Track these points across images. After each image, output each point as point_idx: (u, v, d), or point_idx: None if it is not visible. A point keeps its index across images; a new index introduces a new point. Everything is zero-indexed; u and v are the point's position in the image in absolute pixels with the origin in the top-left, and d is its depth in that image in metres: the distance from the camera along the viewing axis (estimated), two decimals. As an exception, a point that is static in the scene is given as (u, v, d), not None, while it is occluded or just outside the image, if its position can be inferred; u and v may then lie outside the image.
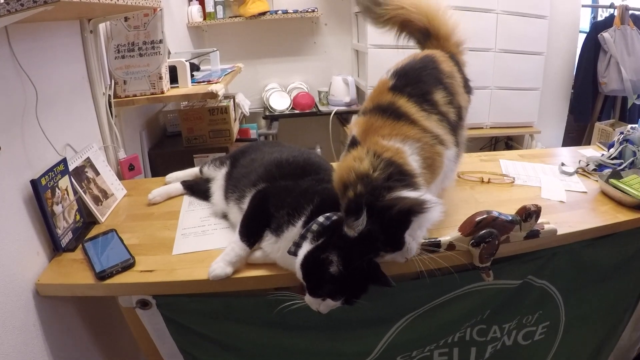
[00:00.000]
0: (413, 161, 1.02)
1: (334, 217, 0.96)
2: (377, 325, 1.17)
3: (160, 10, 1.73)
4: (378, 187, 0.92)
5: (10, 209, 1.03)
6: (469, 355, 1.34)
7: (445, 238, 1.08)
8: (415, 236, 0.95)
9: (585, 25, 4.01)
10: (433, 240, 1.08)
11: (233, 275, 1.01)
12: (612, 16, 3.65)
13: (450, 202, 1.37)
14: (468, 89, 1.31)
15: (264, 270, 1.04)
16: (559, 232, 1.17)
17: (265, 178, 1.14)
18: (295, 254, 0.96)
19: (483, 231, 1.06)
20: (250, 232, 1.06)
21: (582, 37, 3.85)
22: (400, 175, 0.96)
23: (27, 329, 1.03)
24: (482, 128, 3.61)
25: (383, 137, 1.02)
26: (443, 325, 1.22)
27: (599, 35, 3.60)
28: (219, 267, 1.00)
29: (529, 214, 1.10)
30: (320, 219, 0.96)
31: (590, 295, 1.38)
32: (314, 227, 0.95)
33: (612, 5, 3.72)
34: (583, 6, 3.88)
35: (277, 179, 1.14)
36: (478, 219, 1.07)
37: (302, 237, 0.96)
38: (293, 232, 0.99)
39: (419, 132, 1.05)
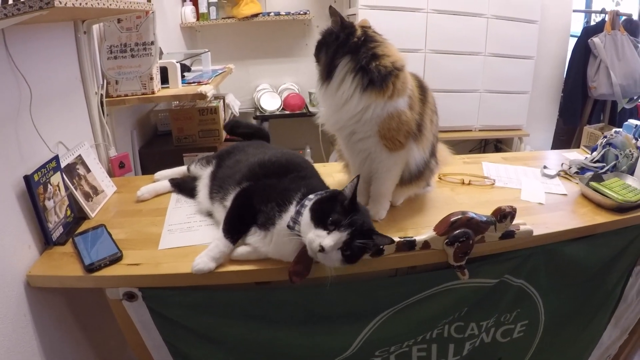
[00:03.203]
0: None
1: (324, 194, 1.03)
2: (355, 321, 1.20)
3: (152, 12, 1.76)
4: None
5: (4, 203, 1.07)
6: (447, 351, 1.37)
7: (420, 237, 1.12)
8: None
9: (578, 30, 4.04)
10: (409, 239, 1.11)
11: (215, 270, 1.04)
12: (603, 21, 3.68)
13: (431, 203, 1.41)
14: None
15: (245, 265, 1.07)
16: (536, 233, 1.20)
17: (249, 177, 1.18)
18: (294, 228, 0.99)
19: (457, 231, 1.10)
20: (234, 229, 1.09)
21: (573, 42, 3.88)
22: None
23: (18, 318, 1.06)
24: (471, 130, 3.66)
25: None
26: (420, 322, 1.25)
27: (589, 40, 3.63)
28: (203, 261, 1.03)
29: (504, 215, 1.14)
30: (311, 195, 1.03)
31: (569, 295, 1.40)
32: (307, 202, 1.01)
33: (603, 11, 3.75)
34: (574, 11, 3.92)
35: (260, 178, 1.17)
36: (453, 219, 1.11)
37: (299, 213, 1.00)
38: (285, 221, 1.03)
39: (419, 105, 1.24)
